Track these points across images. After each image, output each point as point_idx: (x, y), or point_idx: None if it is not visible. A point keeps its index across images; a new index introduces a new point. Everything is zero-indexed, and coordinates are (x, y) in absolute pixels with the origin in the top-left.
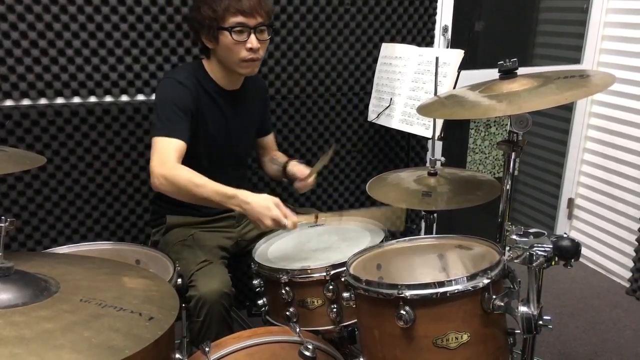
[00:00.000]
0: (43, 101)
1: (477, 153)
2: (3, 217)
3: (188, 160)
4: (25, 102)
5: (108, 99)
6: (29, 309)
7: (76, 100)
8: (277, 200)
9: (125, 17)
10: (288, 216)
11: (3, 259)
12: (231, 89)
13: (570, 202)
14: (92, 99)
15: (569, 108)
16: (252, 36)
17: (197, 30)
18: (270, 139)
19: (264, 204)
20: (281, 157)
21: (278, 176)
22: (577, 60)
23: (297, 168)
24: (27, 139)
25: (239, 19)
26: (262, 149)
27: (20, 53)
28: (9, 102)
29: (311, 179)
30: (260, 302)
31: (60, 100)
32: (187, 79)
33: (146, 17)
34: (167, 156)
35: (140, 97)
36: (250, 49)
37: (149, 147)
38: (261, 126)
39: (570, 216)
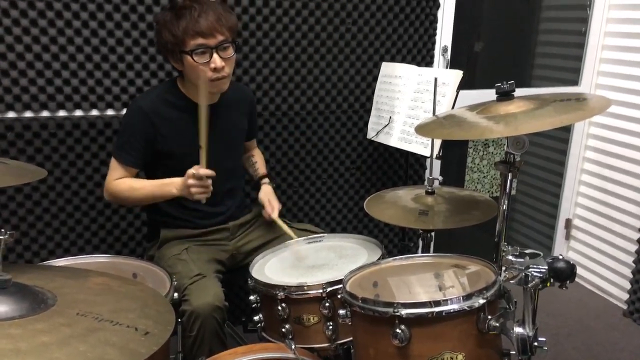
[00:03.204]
0: (45, 113)
1: (475, 172)
2: (2, 230)
3: (180, 175)
4: (28, 114)
5: (110, 112)
6: (26, 322)
7: (78, 113)
8: (190, 173)
9: (130, 32)
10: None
11: (1, 271)
12: (208, 104)
13: (568, 222)
14: (94, 112)
15: (566, 129)
16: (215, 56)
17: (164, 54)
18: (251, 143)
19: (183, 183)
20: (259, 164)
21: (251, 180)
22: (575, 82)
23: (266, 197)
24: (28, 150)
25: (199, 40)
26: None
27: (24, 66)
28: (11, 114)
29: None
30: (256, 318)
31: (62, 113)
32: (151, 103)
33: (150, 32)
34: (111, 175)
35: None
36: (215, 69)
37: None
38: (248, 133)
39: (567, 237)
